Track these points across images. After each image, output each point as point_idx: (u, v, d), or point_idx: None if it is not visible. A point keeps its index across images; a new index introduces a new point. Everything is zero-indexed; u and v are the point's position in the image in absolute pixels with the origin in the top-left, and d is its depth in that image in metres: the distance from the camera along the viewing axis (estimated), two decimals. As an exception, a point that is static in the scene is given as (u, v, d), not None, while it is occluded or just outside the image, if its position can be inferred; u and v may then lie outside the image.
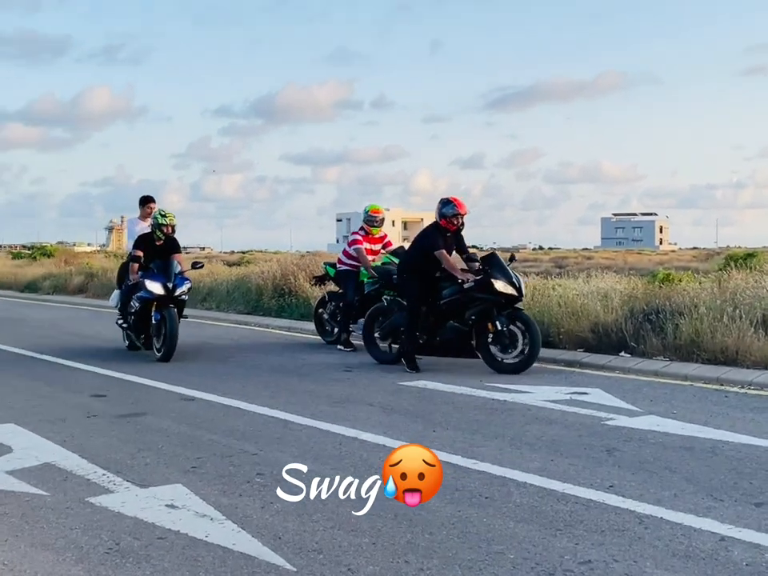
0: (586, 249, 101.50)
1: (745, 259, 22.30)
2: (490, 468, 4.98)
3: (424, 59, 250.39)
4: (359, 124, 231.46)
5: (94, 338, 12.25)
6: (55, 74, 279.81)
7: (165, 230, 9.82)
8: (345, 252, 10.95)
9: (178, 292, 9.57)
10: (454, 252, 8.95)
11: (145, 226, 10.67)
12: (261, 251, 75.05)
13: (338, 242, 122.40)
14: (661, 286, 11.37)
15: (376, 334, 9.41)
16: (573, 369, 8.91)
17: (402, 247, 11.13)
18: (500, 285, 8.44)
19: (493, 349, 8.56)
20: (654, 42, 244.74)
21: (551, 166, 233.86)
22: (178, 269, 9.66)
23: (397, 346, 9.17)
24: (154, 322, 9.54)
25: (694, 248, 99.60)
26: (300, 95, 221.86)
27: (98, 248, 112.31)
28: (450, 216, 8.72)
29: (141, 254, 9.81)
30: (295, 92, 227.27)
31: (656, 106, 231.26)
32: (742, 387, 7.72)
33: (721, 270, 14.19)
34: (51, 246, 46.95)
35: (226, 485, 4.62)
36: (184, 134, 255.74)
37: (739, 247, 73.99)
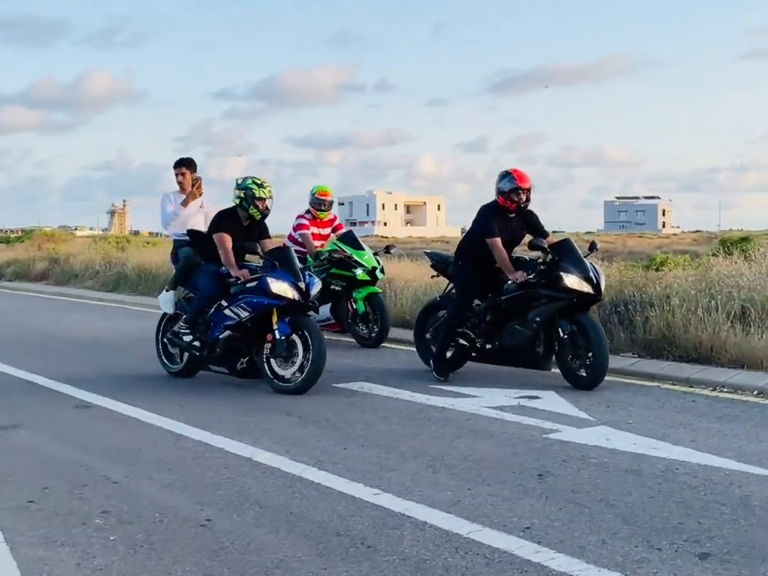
0: (590, 232, 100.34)
1: (739, 243, 21.38)
2: (392, 501, 4.14)
3: (426, 42, 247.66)
4: (362, 107, 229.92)
5: (31, 331, 11.38)
6: (54, 57, 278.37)
7: (261, 206, 7.20)
8: (290, 237, 10.08)
9: (312, 294, 6.95)
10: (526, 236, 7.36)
11: (186, 204, 8.22)
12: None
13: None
14: (647, 271, 10.51)
15: (428, 335, 7.92)
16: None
17: (351, 232, 10.25)
18: (571, 280, 6.83)
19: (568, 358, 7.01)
20: (656, 25, 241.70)
21: (554, 150, 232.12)
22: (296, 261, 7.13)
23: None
24: (280, 337, 6.77)
25: (697, 231, 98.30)
26: (302, 78, 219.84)
27: (100, 232, 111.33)
28: (508, 191, 7.10)
29: (230, 240, 7.11)
30: (297, 75, 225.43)
31: (659, 90, 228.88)
32: (714, 389, 6.87)
33: (714, 254, 13.32)
34: (41, 230, 45.95)
35: (55, 527, 3.78)
36: (185, 118, 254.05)
37: (741, 230, 72.67)
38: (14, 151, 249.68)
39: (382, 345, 9.49)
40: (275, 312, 6.80)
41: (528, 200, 7.23)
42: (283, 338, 6.79)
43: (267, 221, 7.46)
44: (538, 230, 7.34)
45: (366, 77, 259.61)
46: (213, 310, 7.12)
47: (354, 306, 9.63)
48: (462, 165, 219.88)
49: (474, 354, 7.49)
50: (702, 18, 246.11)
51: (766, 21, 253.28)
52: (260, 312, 6.82)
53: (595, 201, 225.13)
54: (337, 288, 9.66)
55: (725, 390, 6.84)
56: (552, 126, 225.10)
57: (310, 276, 7.04)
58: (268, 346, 6.87)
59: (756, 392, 6.68)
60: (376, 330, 9.52)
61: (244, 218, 7.27)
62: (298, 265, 7.03)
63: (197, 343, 7.25)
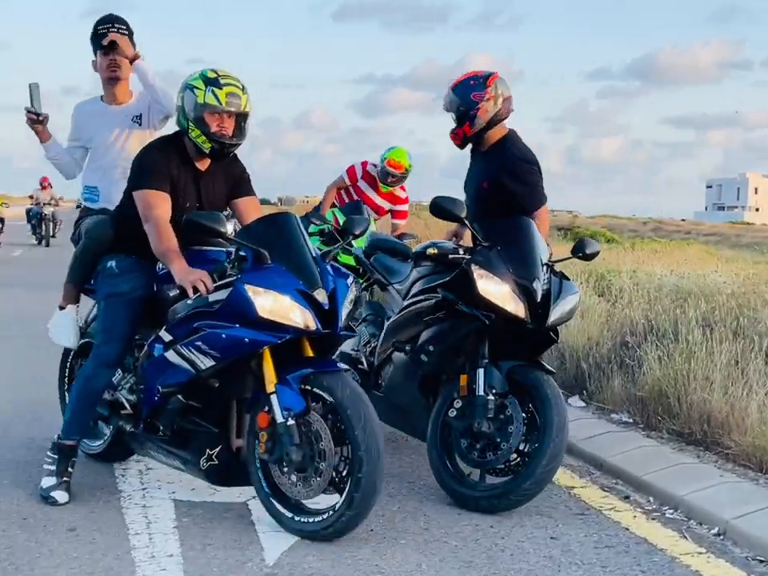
0: None
1: None
2: None
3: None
4: (747, 85, 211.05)
5: None
6: (436, 40, 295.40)
7: (214, 126, 3.42)
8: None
9: (343, 315, 3.30)
10: None
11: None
12: (616, 217, 64.95)
13: (706, 209, 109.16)
14: None
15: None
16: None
17: (359, 203, 7.51)
18: (490, 285, 3.63)
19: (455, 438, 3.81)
20: None
21: None
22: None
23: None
24: (284, 420, 3.20)
25: None
26: (680, 56, 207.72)
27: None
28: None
29: (167, 203, 3.49)
30: (675, 53, 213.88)
31: None
32: (662, 507, 3.84)
33: None
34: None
35: None
36: (559, 98, 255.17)
37: None
38: (400, 130, 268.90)
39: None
40: (267, 357, 3.30)
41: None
42: (291, 421, 3.23)
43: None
44: None
45: (752, 53, 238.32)
46: (145, 347, 3.64)
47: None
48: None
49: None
50: None
51: None
52: (235, 358, 3.30)
53: None
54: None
55: (676, 514, 3.78)
56: None
57: (335, 275, 3.38)
58: (263, 435, 3.30)
59: (717, 530, 3.55)
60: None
61: (195, 155, 3.57)
62: (314, 251, 3.41)
63: (126, 402, 3.76)
